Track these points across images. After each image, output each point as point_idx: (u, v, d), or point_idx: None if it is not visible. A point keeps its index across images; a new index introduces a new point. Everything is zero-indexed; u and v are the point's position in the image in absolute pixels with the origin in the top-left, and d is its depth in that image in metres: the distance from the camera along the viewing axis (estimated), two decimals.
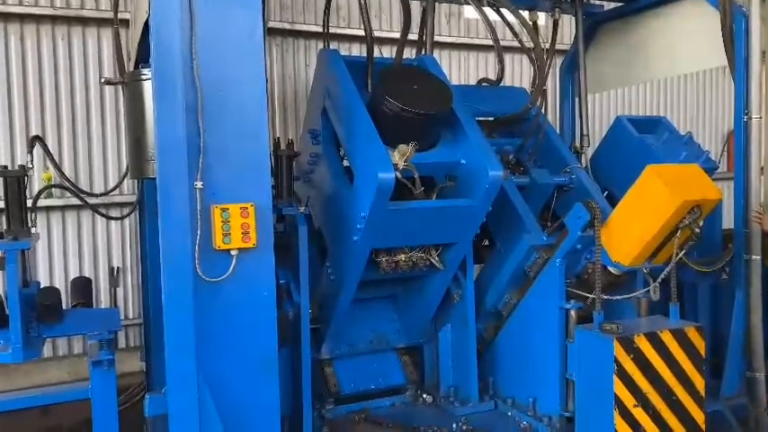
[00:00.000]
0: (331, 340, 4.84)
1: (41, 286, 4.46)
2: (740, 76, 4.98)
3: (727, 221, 5.44)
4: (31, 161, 4.27)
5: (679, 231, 4.00)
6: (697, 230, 4.01)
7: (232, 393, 3.46)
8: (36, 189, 5.48)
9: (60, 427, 6.04)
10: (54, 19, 6.95)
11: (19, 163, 4.40)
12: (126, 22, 5.63)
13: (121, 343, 7.38)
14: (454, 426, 4.58)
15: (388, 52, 7.49)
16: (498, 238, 5.04)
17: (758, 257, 4.95)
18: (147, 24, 3.56)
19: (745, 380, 4.94)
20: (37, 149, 4.70)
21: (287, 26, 7.96)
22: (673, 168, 4.23)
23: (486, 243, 5.34)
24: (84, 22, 7.08)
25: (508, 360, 4.88)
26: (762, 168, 5.20)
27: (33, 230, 4.24)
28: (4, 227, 4.16)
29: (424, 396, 5.02)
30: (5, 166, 4.30)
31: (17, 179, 4.07)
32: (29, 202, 4.27)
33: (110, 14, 6.73)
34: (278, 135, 6.90)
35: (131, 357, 6.92)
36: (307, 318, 4.27)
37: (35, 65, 6.92)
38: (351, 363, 4.93)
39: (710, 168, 5.28)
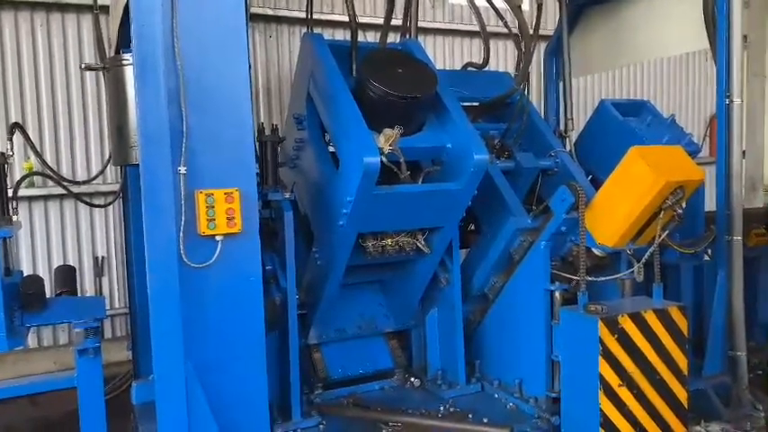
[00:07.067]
0: (319, 325, 4.85)
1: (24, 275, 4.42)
2: (722, 60, 5.01)
3: (709, 205, 5.50)
4: (11, 149, 4.22)
5: (662, 212, 4.03)
6: (680, 211, 4.04)
7: (220, 379, 3.44)
8: (17, 179, 5.41)
9: (48, 417, 6.01)
10: (33, 5, 6.85)
11: None
12: (106, 8, 5.55)
13: (107, 333, 7.35)
14: (442, 408, 4.61)
15: (372, 38, 7.48)
16: (484, 222, 5.06)
17: (739, 238, 5.02)
18: (127, 9, 3.51)
19: (727, 359, 5.02)
20: (17, 138, 4.63)
21: (269, 12, 7.91)
22: (656, 150, 4.26)
23: (472, 227, 5.37)
24: (63, 8, 6.97)
25: (494, 342, 4.92)
26: (743, 151, 5.26)
27: (15, 219, 4.19)
28: None
29: (412, 380, 5.05)
30: None
31: None
32: (10, 191, 4.22)
33: (88, 0, 6.66)
34: (262, 121, 6.86)
35: (117, 347, 6.90)
36: (294, 303, 4.26)
37: (14, 51, 6.82)
38: (339, 348, 4.94)
39: (693, 152, 5.33)
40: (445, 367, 4.97)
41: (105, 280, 7.36)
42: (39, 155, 4.91)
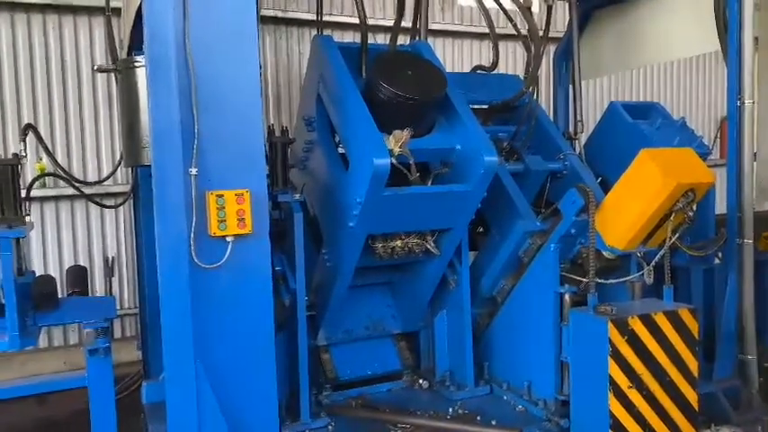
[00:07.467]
0: (327, 327, 4.86)
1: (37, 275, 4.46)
2: (733, 62, 5.00)
3: (720, 208, 5.48)
4: (25, 150, 4.26)
5: (673, 215, 4.02)
6: (691, 214, 4.03)
7: (229, 380, 3.46)
8: (29, 179, 5.46)
9: (55, 417, 6.04)
10: (44, 8, 6.91)
11: (12, 152, 4.37)
12: (117, 10, 5.60)
13: (117, 333, 7.40)
14: (450, 410, 4.61)
15: (381, 40, 7.49)
16: (493, 225, 5.06)
17: (750, 241, 4.99)
18: (140, 11, 3.54)
19: (737, 362, 4.99)
20: (29, 139, 4.68)
21: (279, 14, 7.94)
22: (667, 152, 4.24)
23: (481, 230, 5.36)
24: (74, 10, 7.04)
25: (503, 345, 4.91)
26: (755, 154, 5.23)
27: (28, 219, 4.22)
28: None
29: (421, 381, 5.05)
30: None
31: (11, 167, 4.06)
32: (23, 192, 4.26)
33: (100, 3, 6.72)
34: (272, 123, 6.90)
35: (127, 347, 6.94)
36: (303, 304, 4.28)
37: (26, 53, 6.89)
38: (347, 349, 4.95)
39: (703, 154, 5.28)
40: (453, 369, 4.97)
41: (115, 280, 7.41)
42: (51, 156, 4.96)
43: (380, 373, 5.01)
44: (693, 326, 4.06)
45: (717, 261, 5.46)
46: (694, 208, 4.07)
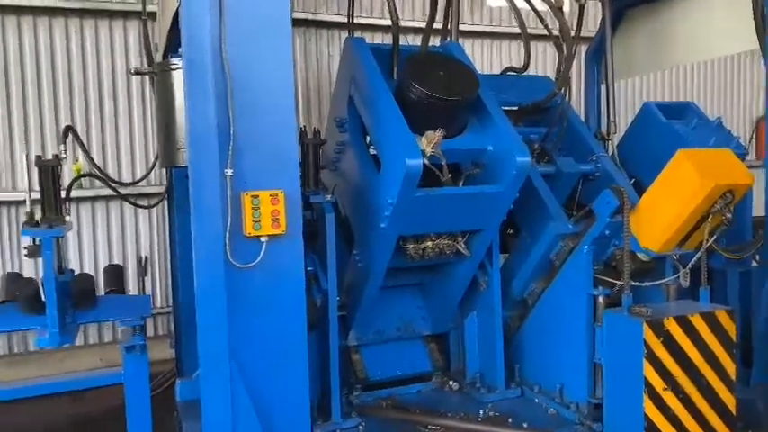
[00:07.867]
0: (358, 327, 4.88)
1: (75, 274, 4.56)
2: None
3: (756, 210, 5.37)
4: (65, 151, 4.36)
5: (710, 217, 3.96)
6: (728, 216, 3.96)
7: (262, 379, 3.48)
8: (66, 180, 5.59)
9: (91, 413, 6.15)
10: (81, 12, 7.06)
11: (52, 153, 4.48)
12: (153, 14, 5.70)
13: (149, 331, 7.51)
14: (481, 412, 4.59)
15: (410, 41, 7.50)
16: (524, 227, 5.02)
17: None
18: (176, 15, 3.60)
19: None
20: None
21: (309, 16, 7.99)
22: (704, 153, 4.18)
23: (512, 232, 5.33)
24: (110, 14, 7.19)
25: (534, 347, 4.87)
26: None
27: (67, 219, 4.32)
28: (39, 216, 4.25)
29: (451, 383, 5.04)
30: (39, 156, 4.39)
31: (52, 168, 4.16)
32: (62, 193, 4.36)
33: (134, 7, 6.86)
34: (303, 124, 6.95)
35: (159, 345, 7.04)
36: (334, 305, 4.30)
37: (63, 57, 7.05)
38: (378, 349, 4.96)
39: (740, 155, 5.17)
40: (484, 371, 4.95)
41: (147, 279, 7.53)
42: (90, 157, 5.07)
43: (410, 374, 5.01)
44: (731, 327, 3.99)
45: (754, 264, 5.35)
46: (732, 209, 4.00)
